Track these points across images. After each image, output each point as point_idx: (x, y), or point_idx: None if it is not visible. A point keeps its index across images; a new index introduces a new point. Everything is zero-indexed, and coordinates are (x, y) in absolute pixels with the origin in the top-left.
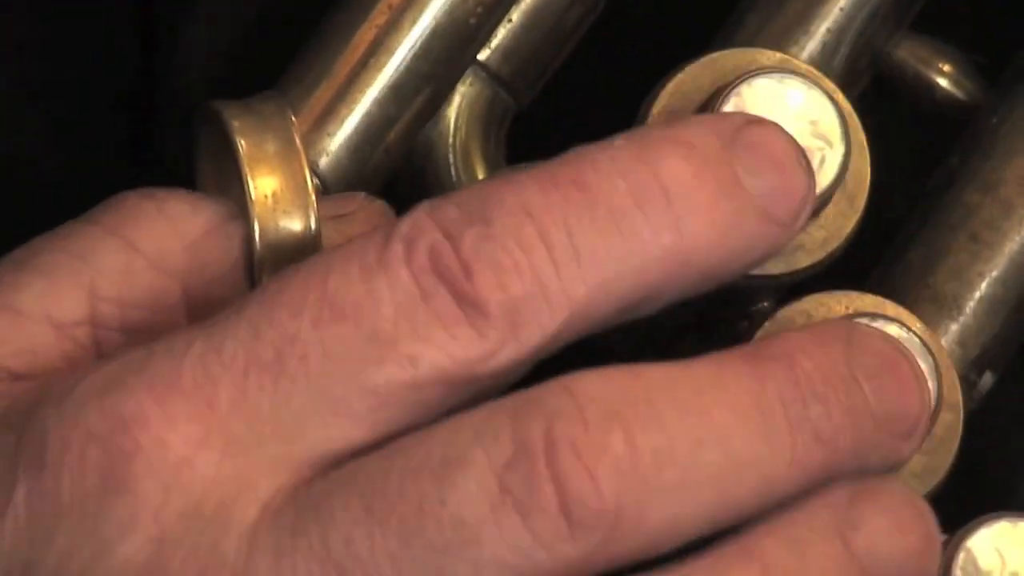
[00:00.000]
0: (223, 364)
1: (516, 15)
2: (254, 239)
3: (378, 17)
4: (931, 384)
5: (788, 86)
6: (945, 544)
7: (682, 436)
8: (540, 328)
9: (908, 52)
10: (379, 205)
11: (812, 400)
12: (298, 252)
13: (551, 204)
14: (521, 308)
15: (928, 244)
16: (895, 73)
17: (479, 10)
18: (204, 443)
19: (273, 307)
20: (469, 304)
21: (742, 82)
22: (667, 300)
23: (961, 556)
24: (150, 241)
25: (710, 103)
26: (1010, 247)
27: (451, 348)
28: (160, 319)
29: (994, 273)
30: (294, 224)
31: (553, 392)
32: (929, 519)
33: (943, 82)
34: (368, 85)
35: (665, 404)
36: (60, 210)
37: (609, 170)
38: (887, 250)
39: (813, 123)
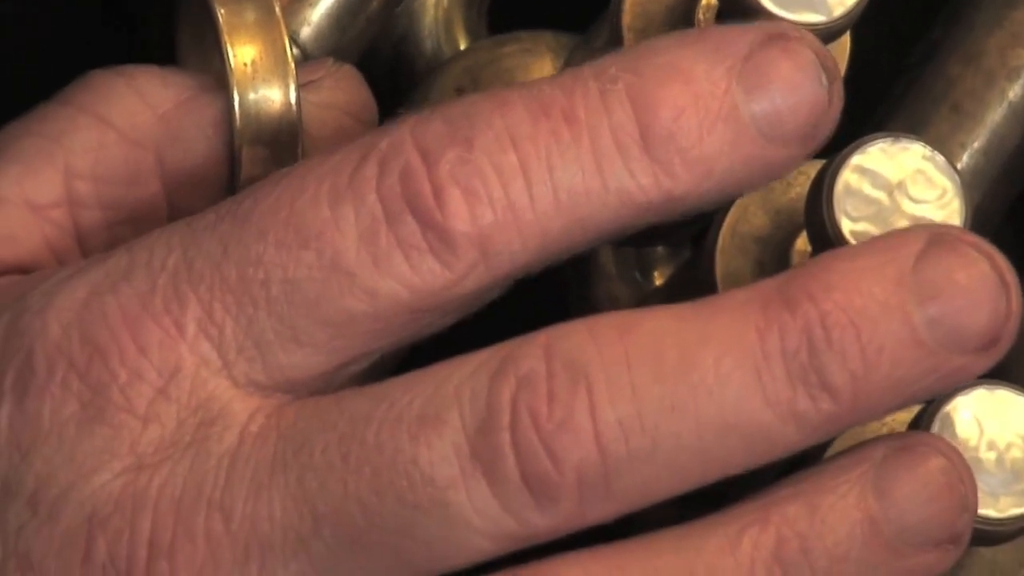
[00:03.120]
0: (191, 283)
1: None
2: (233, 107)
3: None
4: None
5: None
6: (922, 412)
7: (654, 403)
8: (510, 257)
9: None
10: (347, 69)
11: (824, 347)
12: (278, 121)
13: (537, 134)
14: (491, 237)
15: (910, 115)
16: None
17: None
18: (176, 371)
19: (244, 225)
20: (435, 233)
21: None
22: (648, 225)
23: (937, 424)
24: (122, 116)
25: None
26: (991, 118)
27: (412, 280)
28: (136, 192)
29: (975, 144)
30: (273, 92)
31: (531, 351)
32: (965, 487)
33: None
34: None
35: (643, 367)
36: (41, 88)
37: (598, 106)
38: (870, 122)
39: None
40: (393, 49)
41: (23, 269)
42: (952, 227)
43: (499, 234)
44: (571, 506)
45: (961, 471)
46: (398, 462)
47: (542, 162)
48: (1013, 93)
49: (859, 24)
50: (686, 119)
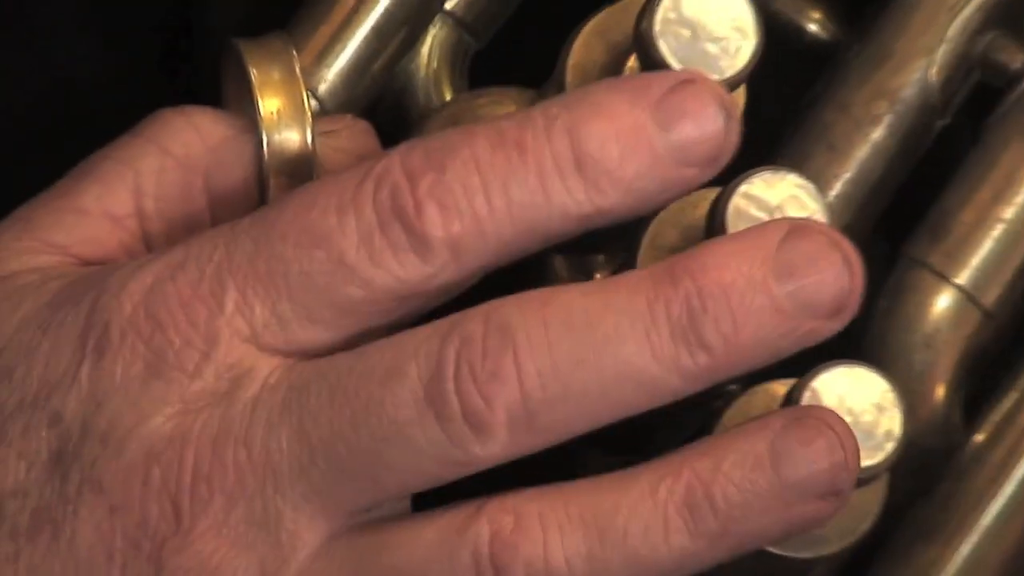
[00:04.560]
0: (231, 272)
1: None
2: (262, 146)
3: None
4: None
5: None
6: (793, 387)
7: (565, 357)
8: (475, 257)
9: (783, 2)
10: (362, 124)
11: (700, 313)
12: (297, 157)
13: (495, 161)
14: (460, 242)
15: (795, 152)
16: (773, 20)
17: None
18: (218, 339)
19: (271, 229)
20: (417, 238)
21: None
22: (585, 232)
23: (807, 395)
24: (180, 146)
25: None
26: (857, 154)
27: (399, 273)
28: (188, 208)
29: (846, 176)
30: (294, 135)
31: (473, 318)
32: (847, 453)
33: (812, 26)
34: (358, 27)
35: (558, 327)
36: (112, 126)
37: (543, 138)
38: (765, 158)
39: (733, 18)
40: (394, 100)
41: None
42: (808, 219)
43: (466, 239)
44: (503, 439)
45: (844, 437)
46: (370, 405)
47: (499, 182)
48: (876, 135)
49: (756, 79)
50: (610, 147)
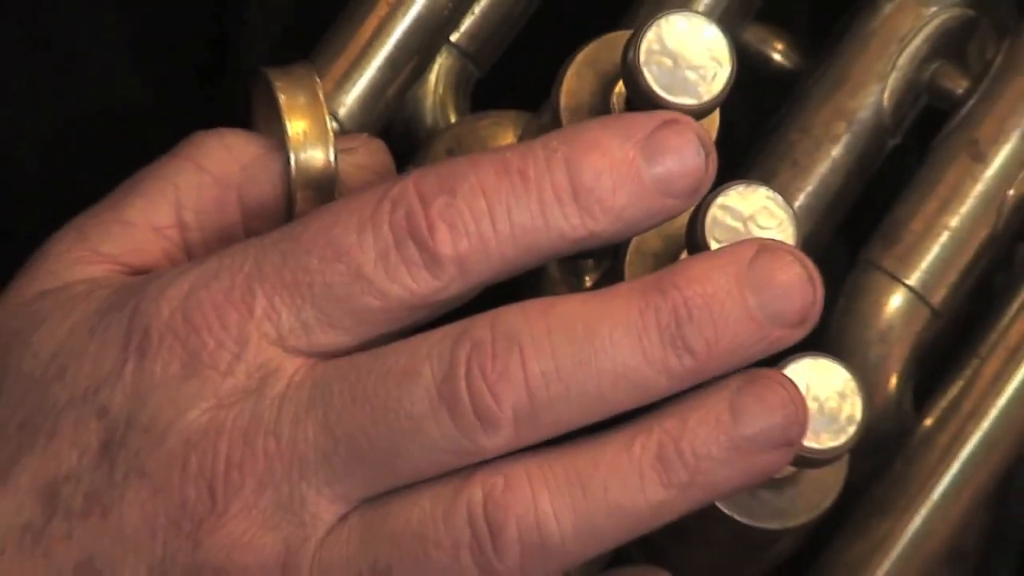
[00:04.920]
0: (260, 282)
1: (479, 6)
2: (290, 163)
3: (380, 9)
4: None
5: (692, 21)
6: None
7: (567, 359)
8: (479, 273)
9: (751, 35)
10: (376, 142)
11: (686, 320)
12: (321, 173)
13: (500, 187)
14: (467, 259)
15: (762, 168)
16: (742, 50)
17: (451, 3)
18: (248, 341)
19: (297, 243)
20: (429, 255)
21: (661, 18)
22: (580, 251)
23: None
24: (215, 164)
25: (633, 39)
26: (819, 169)
27: (411, 286)
28: (223, 219)
29: (808, 189)
30: (318, 153)
31: (481, 325)
32: (797, 406)
33: (777, 56)
34: (373, 57)
35: (560, 334)
36: (149, 145)
37: (544, 169)
38: (736, 174)
39: (709, 48)
40: (404, 123)
41: (148, 273)
42: (775, 240)
43: (472, 256)
44: (509, 433)
45: (793, 394)
46: (388, 402)
47: (503, 207)
48: (835, 152)
49: (728, 103)
50: (604, 179)
